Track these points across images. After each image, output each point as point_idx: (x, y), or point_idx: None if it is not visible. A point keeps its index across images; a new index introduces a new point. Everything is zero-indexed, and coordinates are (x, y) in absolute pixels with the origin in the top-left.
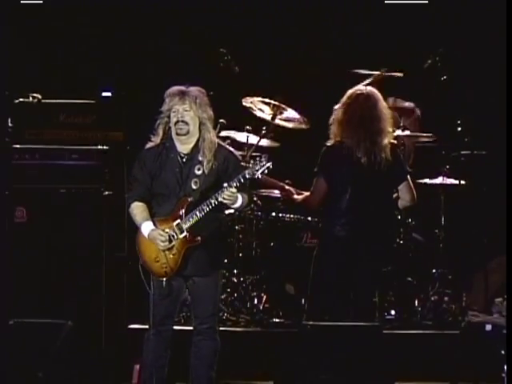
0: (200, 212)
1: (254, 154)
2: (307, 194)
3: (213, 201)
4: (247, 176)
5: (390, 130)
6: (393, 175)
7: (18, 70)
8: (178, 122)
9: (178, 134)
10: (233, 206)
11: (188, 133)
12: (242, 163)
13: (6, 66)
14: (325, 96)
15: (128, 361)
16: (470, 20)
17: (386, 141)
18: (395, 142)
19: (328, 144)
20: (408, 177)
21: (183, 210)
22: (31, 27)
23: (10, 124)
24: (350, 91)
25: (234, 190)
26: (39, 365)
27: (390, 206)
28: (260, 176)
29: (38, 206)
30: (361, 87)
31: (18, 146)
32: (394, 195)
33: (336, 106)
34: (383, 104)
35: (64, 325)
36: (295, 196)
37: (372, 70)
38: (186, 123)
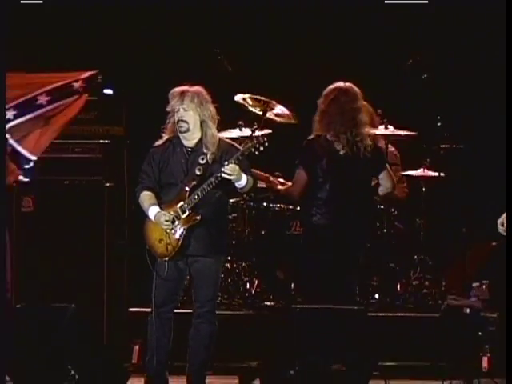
0: (202, 192)
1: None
2: (289, 184)
3: (213, 179)
4: (245, 153)
5: (368, 123)
6: (373, 165)
7: (24, 68)
8: (178, 120)
9: (180, 132)
10: (239, 184)
11: (188, 130)
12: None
13: (6, 66)
14: (314, 93)
15: (129, 342)
16: (470, 20)
17: (365, 131)
18: (375, 133)
19: (309, 138)
20: (387, 165)
21: (187, 193)
22: (31, 27)
23: None
24: (329, 87)
25: (233, 165)
26: (44, 346)
27: (369, 196)
28: (257, 152)
29: (43, 197)
30: (340, 83)
31: None
32: (374, 182)
33: (318, 101)
34: (361, 98)
35: (68, 308)
36: (279, 187)
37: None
38: (186, 122)
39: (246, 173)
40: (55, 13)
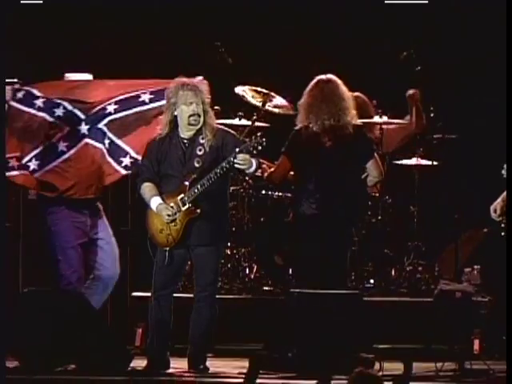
0: (201, 186)
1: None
2: (271, 170)
3: (212, 175)
4: (244, 151)
5: (353, 110)
6: (359, 154)
7: (24, 68)
8: (192, 115)
9: (190, 125)
10: (250, 171)
11: (199, 124)
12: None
13: (6, 66)
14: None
15: (132, 325)
16: (470, 20)
17: (349, 119)
18: (361, 124)
19: (296, 128)
20: (375, 154)
21: (187, 186)
22: (31, 27)
23: None
24: (312, 81)
25: (243, 155)
26: (50, 329)
27: (356, 185)
28: (255, 151)
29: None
30: (321, 76)
31: None
32: (364, 175)
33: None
34: (344, 87)
35: (73, 292)
36: (265, 173)
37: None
38: (199, 115)
39: (255, 158)
40: (55, 13)
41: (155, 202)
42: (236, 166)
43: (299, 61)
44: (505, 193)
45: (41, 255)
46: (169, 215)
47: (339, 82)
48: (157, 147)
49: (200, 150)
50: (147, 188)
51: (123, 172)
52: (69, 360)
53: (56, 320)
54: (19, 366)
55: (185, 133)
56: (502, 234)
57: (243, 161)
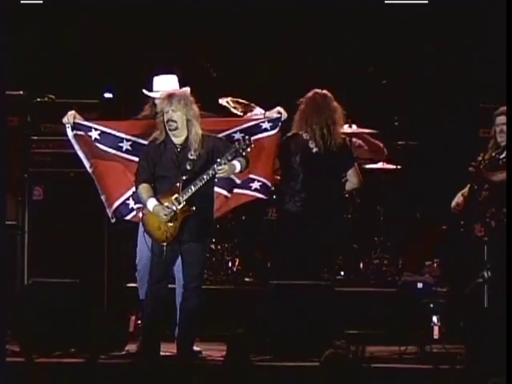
0: (195, 186)
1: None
2: None
3: (206, 176)
4: (234, 154)
5: (342, 122)
6: (342, 162)
7: (34, 73)
8: (168, 120)
9: (169, 130)
10: (235, 171)
11: (177, 129)
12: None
13: (6, 66)
14: (289, 96)
15: (126, 313)
16: (470, 20)
17: (337, 130)
18: (347, 137)
19: (288, 135)
20: (355, 163)
21: (180, 187)
22: (31, 27)
23: (29, 119)
24: (309, 93)
25: (225, 167)
26: (54, 316)
27: (338, 188)
28: (244, 153)
29: (52, 186)
30: (317, 89)
31: (35, 137)
32: (344, 179)
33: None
34: (336, 102)
35: (73, 283)
36: None
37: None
38: (174, 121)
39: (238, 158)
40: (55, 13)
41: (152, 204)
42: (219, 174)
43: (277, 74)
44: (465, 189)
45: (44, 250)
46: (165, 215)
47: (332, 96)
48: (153, 150)
49: (191, 155)
50: (144, 189)
51: (257, 195)
52: (69, 344)
53: (57, 308)
54: (21, 350)
55: (174, 139)
56: (461, 230)
57: (223, 171)
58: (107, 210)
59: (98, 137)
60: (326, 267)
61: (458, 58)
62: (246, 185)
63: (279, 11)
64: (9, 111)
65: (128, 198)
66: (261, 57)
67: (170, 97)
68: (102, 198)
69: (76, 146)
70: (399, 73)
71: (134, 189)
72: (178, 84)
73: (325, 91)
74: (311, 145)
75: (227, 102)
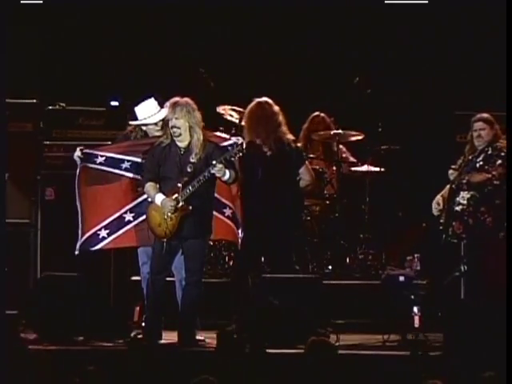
0: (193, 187)
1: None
2: None
3: (202, 177)
4: (228, 157)
5: (285, 126)
6: (293, 161)
7: (24, 68)
8: (172, 127)
9: (174, 136)
10: (224, 178)
11: (180, 135)
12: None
13: (6, 66)
14: (284, 102)
15: (131, 304)
16: (470, 20)
17: (283, 133)
18: (293, 138)
19: (245, 141)
20: (306, 162)
21: (180, 187)
22: (31, 27)
23: (41, 125)
24: (251, 103)
25: (220, 165)
26: (62, 309)
27: (292, 186)
28: (237, 157)
29: (63, 187)
30: (257, 99)
31: (47, 142)
32: (298, 177)
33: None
34: (275, 108)
35: (82, 277)
36: None
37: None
38: (178, 128)
39: (229, 169)
40: (55, 13)
41: (159, 198)
42: (212, 172)
43: (270, 82)
44: (444, 190)
45: (55, 246)
46: (172, 206)
47: (271, 103)
48: (159, 153)
49: (192, 158)
50: (151, 187)
51: (229, 223)
52: (78, 333)
53: (67, 299)
54: (37, 338)
55: (179, 143)
56: (440, 228)
57: (218, 170)
58: (78, 242)
59: (103, 161)
60: (312, 262)
61: (440, 66)
62: (219, 209)
63: (279, 17)
64: (22, 118)
65: (101, 229)
66: (258, 64)
67: (174, 105)
68: (79, 226)
69: (77, 175)
70: (385, 80)
71: (111, 218)
72: (156, 104)
73: (264, 99)
74: (265, 149)
75: (224, 110)
